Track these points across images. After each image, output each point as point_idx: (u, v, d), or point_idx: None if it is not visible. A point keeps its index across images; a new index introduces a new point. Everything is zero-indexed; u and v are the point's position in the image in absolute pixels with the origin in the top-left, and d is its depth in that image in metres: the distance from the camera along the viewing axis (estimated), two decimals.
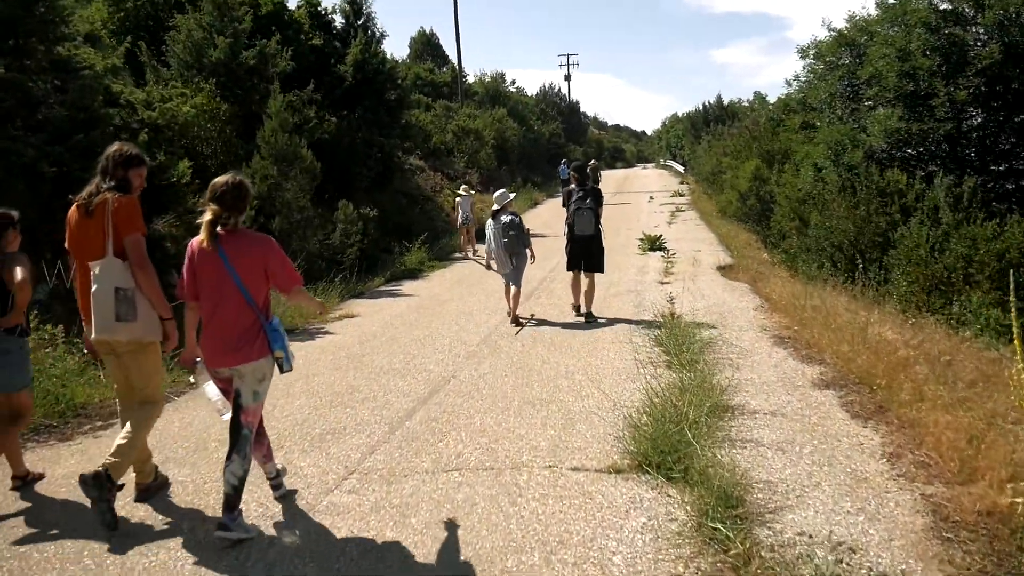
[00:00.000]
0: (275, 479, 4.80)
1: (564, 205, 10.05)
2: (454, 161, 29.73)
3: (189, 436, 6.19)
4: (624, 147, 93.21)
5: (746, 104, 49.48)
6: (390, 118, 22.67)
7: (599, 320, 10.07)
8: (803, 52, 19.51)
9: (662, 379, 6.98)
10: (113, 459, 4.34)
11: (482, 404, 6.83)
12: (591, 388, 7.13)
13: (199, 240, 4.13)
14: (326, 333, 10.40)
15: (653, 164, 76.40)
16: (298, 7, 22.23)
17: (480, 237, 16.71)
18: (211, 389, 4.43)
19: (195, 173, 12.46)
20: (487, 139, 32.44)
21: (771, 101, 39.76)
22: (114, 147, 4.54)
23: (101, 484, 4.25)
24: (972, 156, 16.92)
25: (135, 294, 4.39)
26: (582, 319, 10.03)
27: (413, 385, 7.59)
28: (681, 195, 32.35)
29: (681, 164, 52.69)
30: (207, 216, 4.09)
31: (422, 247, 17.00)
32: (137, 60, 16.57)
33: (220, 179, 4.17)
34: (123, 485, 4.62)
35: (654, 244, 17.03)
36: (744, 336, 8.90)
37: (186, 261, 4.19)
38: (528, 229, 10.14)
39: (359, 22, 23.71)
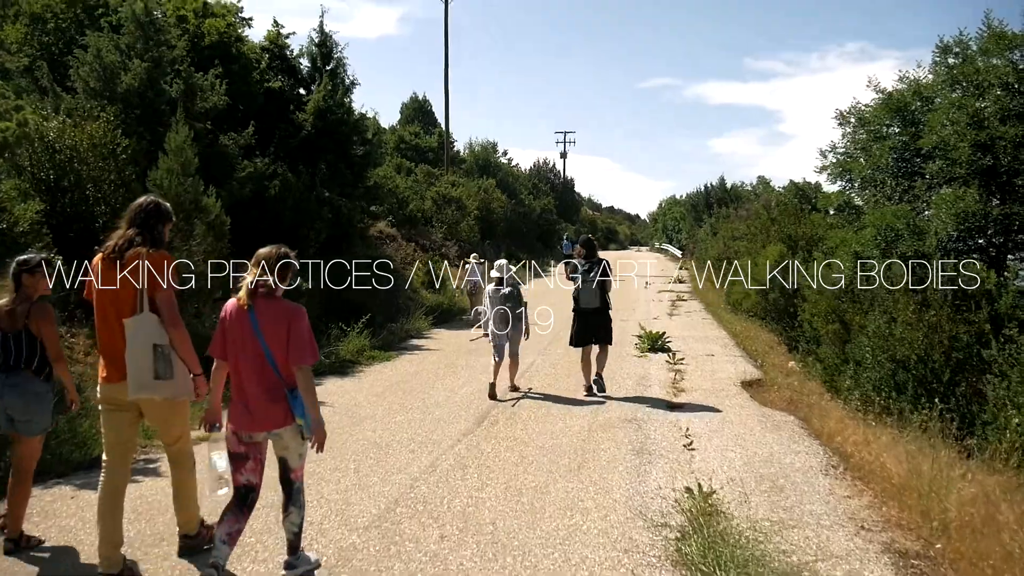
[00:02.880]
0: (214, 567, 4.17)
1: (568, 278, 9.81)
2: (431, 231, 26.15)
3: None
4: (618, 228, 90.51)
5: (749, 188, 46.22)
6: (354, 176, 19.01)
7: (605, 394, 9.53)
8: (842, 118, 15.96)
9: None
10: (184, 521, 4.57)
11: None
12: None
13: (236, 300, 4.21)
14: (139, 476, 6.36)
15: (648, 247, 73.36)
16: (257, 44, 18.62)
17: None
18: (219, 461, 4.36)
19: (69, 219, 9.83)
20: (470, 209, 29.32)
21: (776, 188, 36.50)
22: (148, 199, 4.50)
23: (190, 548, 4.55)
24: None
25: (170, 351, 4.34)
26: (595, 394, 9.56)
27: None
28: (681, 282, 29.10)
29: (679, 248, 49.17)
30: (248, 279, 4.16)
31: (363, 333, 12.99)
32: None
33: (265, 249, 4.25)
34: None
35: (656, 343, 13.37)
36: (837, 550, 4.86)
37: (220, 321, 4.24)
38: (526, 302, 9.77)
39: (327, 67, 20.27)
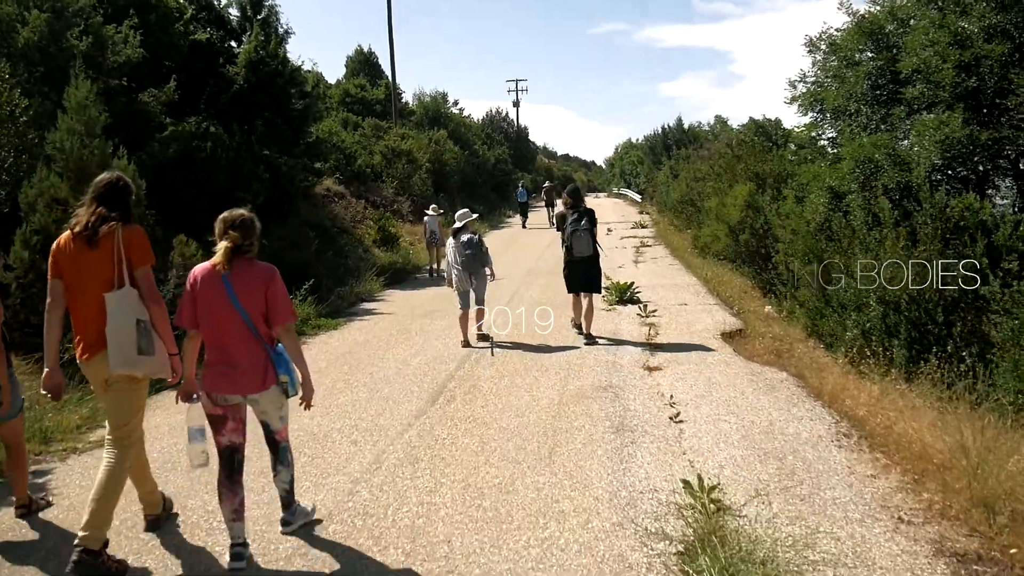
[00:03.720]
0: (237, 546, 4.15)
1: (558, 229, 9.87)
2: (382, 187, 24.82)
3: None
4: (574, 176, 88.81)
5: (707, 129, 44.97)
6: (294, 132, 17.58)
7: (598, 341, 9.48)
8: (812, 46, 14.71)
9: None
10: (87, 532, 4.00)
11: None
12: None
13: (205, 265, 4.11)
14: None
15: (606, 193, 71.65)
16: None
17: None
18: (197, 434, 4.26)
19: None
20: (422, 162, 27.78)
21: (733, 127, 35.47)
22: (113, 175, 4.37)
23: (87, 567, 3.93)
24: None
25: (151, 327, 4.25)
26: (582, 341, 9.50)
27: None
28: (643, 227, 27.83)
29: (638, 193, 48.14)
30: (227, 243, 4.03)
31: (308, 300, 11.75)
32: None
33: (234, 212, 4.13)
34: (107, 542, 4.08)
35: (624, 294, 12.37)
36: (879, 556, 3.84)
37: (187, 287, 4.12)
38: (487, 248, 9.73)
39: (259, 16, 18.66)
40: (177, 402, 4.37)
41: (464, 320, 9.61)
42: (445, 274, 10.16)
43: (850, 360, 8.60)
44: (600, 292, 9.95)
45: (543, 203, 31.22)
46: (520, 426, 6.25)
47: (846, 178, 12.25)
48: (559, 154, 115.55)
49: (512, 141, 57.24)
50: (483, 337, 9.76)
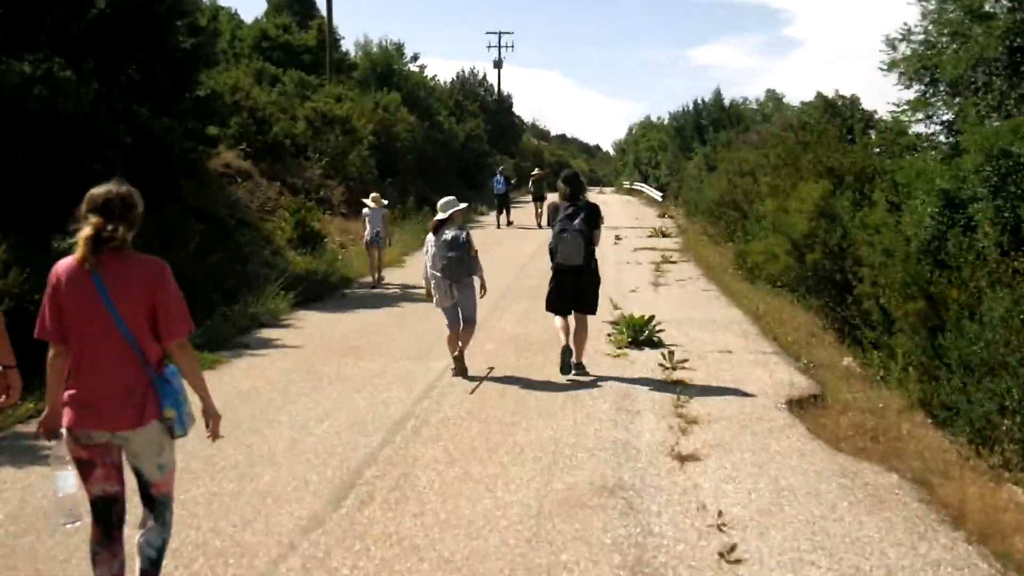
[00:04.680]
0: None
1: (549, 224, 10.05)
2: (306, 165, 24.37)
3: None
4: (572, 163, 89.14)
5: (755, 107, 44.29)
6: (176, 83, 16.53)
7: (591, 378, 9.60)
8: None
9: None
10: None
11: None
12: None
13: (70, 261, 4.06)
14: None
15: (613, 188, 72.33)
16: None
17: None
18: (66, 482, 4.28)
19: None
20: (363, 134, 27.25)
21: (793, 105, 34.87)
22: None
23: None
24: None
25: None
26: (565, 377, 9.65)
27: None
28: (666, 235, 27.36)
29: (658, 189, 47.64)
30: (87, 231, 3.97)
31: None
32: None
33: (101, 188, 4.08)
34: None
35: (641, 334, 11.51)
36: None
37: (48, 289, 4.12)
38: (477, 251, 9.83)
39: None
40: (40, 436, 4.30)
41: (453, 341, 9.83)
42: (425, 280, 10.30)
43: (976, 449, 7.82)
44: (594, 312, 9.95)
45: (530, 197, 31.61)
46: (473, 558, 5.11)
47: (969, 179, 11.55)
48: (552, 134, 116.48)
49: (491, 113, 57.48)
50: (461, 370, 9.80)
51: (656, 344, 11.28)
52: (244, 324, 12.73)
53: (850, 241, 13.89)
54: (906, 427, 8.01)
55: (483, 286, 9.99)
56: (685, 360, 10.31)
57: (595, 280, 9.78)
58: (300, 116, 25.84)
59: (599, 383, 9.48)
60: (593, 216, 9.64)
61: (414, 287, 15.85)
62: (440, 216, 9.82)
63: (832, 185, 15.44)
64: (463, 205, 10.21)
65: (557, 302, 9.84)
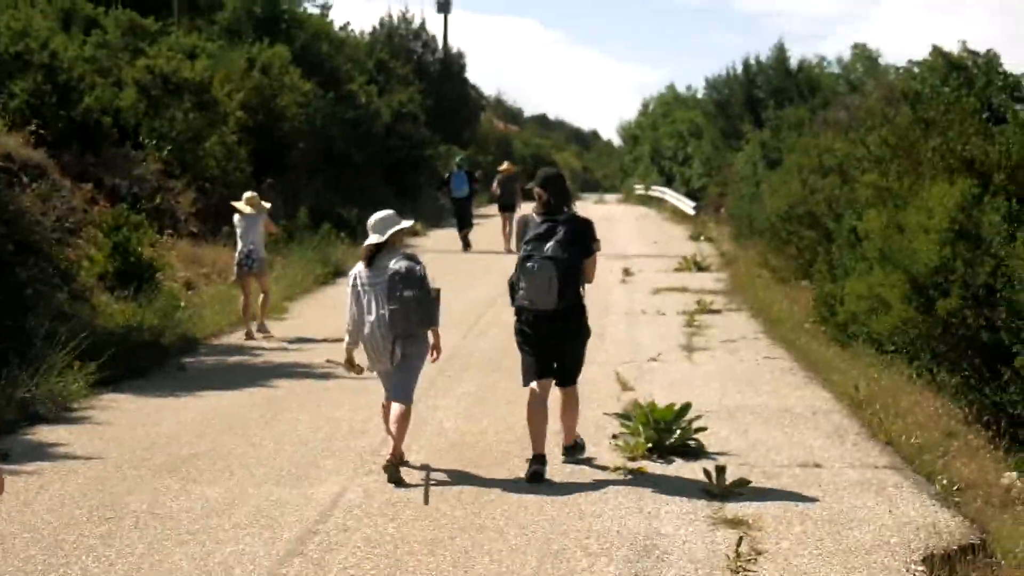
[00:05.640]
0: None
1: (517, 248, 10.14)
2: (136, 157, 23.36)
3: None
4: (555, 159, 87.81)
5: (836, 71, 43.39)
6: None
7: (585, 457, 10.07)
8: None
9: None
10: None
11: None
12: None
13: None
14: None
15: (620, 196, 72.49)
16: None
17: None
18: None
19: None
20: (229, 108, 26.62)
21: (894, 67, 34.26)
22: None
23: None
24: None
25: None
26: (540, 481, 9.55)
27: None
28: (702, 268, 26.91)
29: (690, 197, 46.56)
30: None
31: None
32: None
33: None
34: None
35: (669, 435, 10.41)
36: None
37: None
38: (438, 292, 9.96)
39: None
40: None
41: (396, 419, 9.83)
42: (348, 335, 10.44)
43: None
44: (574, 382, 9.91)
45: (497, 201, 32.07)
46: None
47: None
48: (526, 114, 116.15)
49: (432, 81, 56.32)
50: (395, 478, 9.35)
51: (694, 452, 10.21)
52: (8, 418, 11.50)
53: (1007, 279, 12.71)
54: None
55: (436, 345, 9.91)
56: (744, 482, 9.11)
57: (579, 330, 9.64)
58: (128, 80, 25.02)
59: (600, 523, 8.36)
60: (579, 236, 9.49)
61: (308, 345, 15.70)
62: (374, 239, 9.72)
63: (976, 188, 14.32)
64: (407, 223, 10.26)
65: (530, 365, 9.67)
